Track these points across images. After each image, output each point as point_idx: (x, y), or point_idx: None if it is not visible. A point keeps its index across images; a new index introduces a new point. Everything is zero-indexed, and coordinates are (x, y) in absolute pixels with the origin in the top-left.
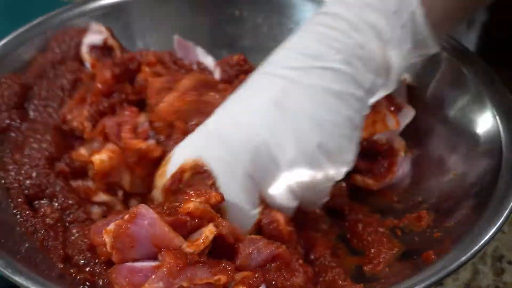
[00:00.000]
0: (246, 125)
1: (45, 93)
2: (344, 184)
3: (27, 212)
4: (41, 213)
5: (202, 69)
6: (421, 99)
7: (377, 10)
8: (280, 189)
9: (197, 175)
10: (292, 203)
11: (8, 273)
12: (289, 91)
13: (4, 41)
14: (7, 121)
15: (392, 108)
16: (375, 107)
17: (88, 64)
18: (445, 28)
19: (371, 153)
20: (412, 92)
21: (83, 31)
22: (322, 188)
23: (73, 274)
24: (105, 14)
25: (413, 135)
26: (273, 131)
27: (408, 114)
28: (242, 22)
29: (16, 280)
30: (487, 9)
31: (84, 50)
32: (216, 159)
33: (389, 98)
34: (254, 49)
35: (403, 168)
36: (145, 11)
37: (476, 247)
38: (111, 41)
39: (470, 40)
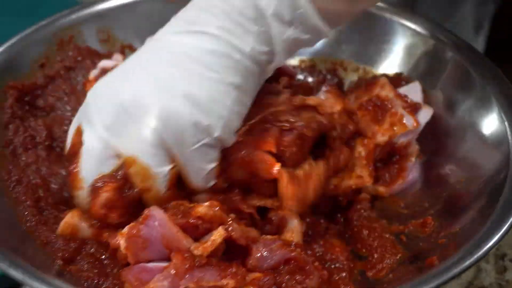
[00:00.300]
0: (115, 84)
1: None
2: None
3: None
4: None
5: None
6: (427, 101)
7: None
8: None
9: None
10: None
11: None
12: (162, 51)
13: (11, 41)
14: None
15: (409, 109)
16: (389, 109)
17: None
18: (331, 9)
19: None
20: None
21: (102, 56)
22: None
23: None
24: (112, 16)
25: (419, 140)
26: (135, 88)
27: (427, 113)
28: None
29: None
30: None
31: (94, 73)
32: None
33: (403, 99)
34: None
35: (413, 173)
36: (152, 13)
37: (480, 253)
38: None
39: (478, 44)
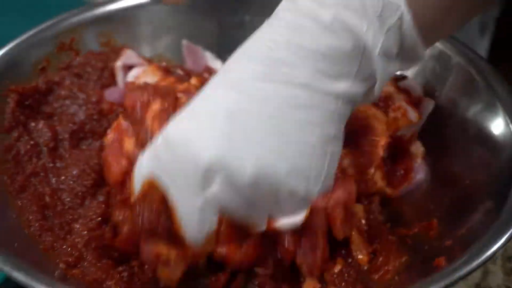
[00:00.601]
0: (195, 140)
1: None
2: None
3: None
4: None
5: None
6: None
7: (357, 12)
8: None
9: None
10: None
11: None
12: (245, 101)
13: (11, 44)
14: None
15: (411, 103)
16: (393, 103)
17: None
18: (436, 34)
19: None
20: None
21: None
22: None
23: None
24: (115, 19)
25: (425, 142)
26: (227, 147)
27: (428, 106)
28: (252, 28)
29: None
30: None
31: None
32: (170, 178)
33: (406, 93)
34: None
35: (419, 174)
36: (155, 16)
37: (488, 254)
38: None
39: (483, 46)
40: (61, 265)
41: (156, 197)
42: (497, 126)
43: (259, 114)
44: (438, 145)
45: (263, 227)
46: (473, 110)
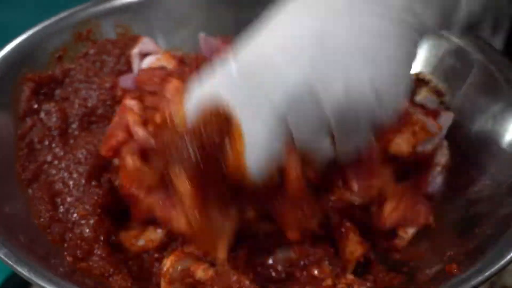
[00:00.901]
0: (281, 63)
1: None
2: None
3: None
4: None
5: None
6: (452, 106)
7: None
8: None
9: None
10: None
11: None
12: (333, 21)
13: (28, 33)
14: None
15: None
16: (410, 118)
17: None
18: None
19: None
20: (443, 98)
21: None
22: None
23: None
24: (132, 10)
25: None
26: (315, 68)
27: (448, 117)
28: None
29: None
30: None
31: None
32: (242, 103)
33: (422, 107)
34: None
35: (434, 184)
36: (171, 8)
37: (503, 262)
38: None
39: (496, 44)
40: (69, 258)
41: (216, 126)
42: None
43: (345, 38)
44: (455, 147)
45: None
46: (493, 110)
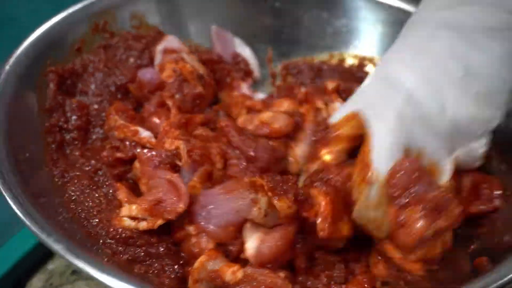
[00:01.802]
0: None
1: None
2: None
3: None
4: None
5: (238, 61)
6: None
7: None
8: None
9: None
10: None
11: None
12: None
13: (48, 24)
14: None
15: None
16: None
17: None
18: None
19: None
20: None
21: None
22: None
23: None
24: (146, 2)
25: None
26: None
27: None
28: (282, 15)
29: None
30: None
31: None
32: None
33: None
34: (293, 42)
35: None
36: (186, 1)
37: None
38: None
39: None
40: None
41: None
42: None
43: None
44: None
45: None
46: None
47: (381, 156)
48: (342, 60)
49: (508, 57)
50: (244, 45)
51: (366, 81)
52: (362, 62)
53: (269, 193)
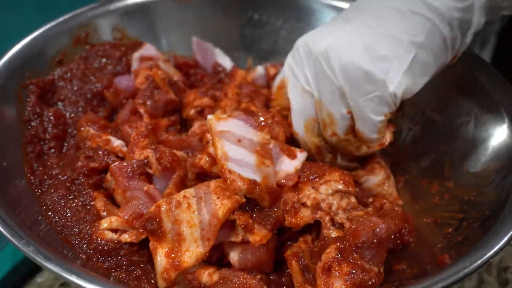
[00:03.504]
0: (315, 39)
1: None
2: None
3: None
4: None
5: (218, 71)
6: (436, 109)
7: None
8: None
9: None
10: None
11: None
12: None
13: (31, 37)
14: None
15: None
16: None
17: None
18: None
19: None
20: (428, 101)
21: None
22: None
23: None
24: (127, 15)
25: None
26: (329, 42)
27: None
28: (261, 25)
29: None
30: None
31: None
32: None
33: None
34: (272, 52)
35: None
36: (167, 12)
37: (482, 259)
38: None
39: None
40: (82, 256)
41: None
42: (500, 133)
43: (361, 16)
44: (439, 149)
45: (344, 122)
46: (476, 115)
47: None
48: None
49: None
50: (224, 55)
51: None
52: None
53: (244, 230)
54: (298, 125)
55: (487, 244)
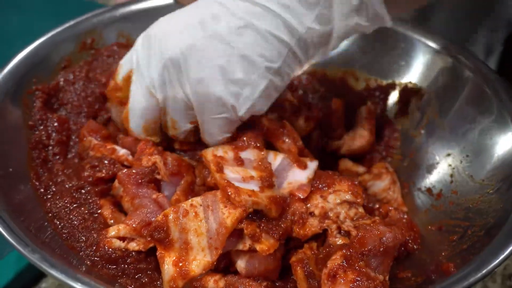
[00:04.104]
0: (166, 36)
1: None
2: None
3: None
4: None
5: None
6: (444, 116)
7: None
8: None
9: None
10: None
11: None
12: (219, 16)
13: (37, 42)
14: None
15: None
16: None
17: None
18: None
19: None
20: (432, 108)
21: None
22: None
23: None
24: (133, 21)
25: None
26: (183, 46)
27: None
28: None
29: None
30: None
31: None
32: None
33: None
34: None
35: None
36: None
37: (487, 268)
38: None
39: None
40: (88, 263)
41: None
42: (506, 142)
43: (221, 26)
44: (446, 159)
45: (188, 129)
46: (483, 124)
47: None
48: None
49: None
50: None
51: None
52: None
53: (251, 240)
54: (136, 124)
55: (493, 252)
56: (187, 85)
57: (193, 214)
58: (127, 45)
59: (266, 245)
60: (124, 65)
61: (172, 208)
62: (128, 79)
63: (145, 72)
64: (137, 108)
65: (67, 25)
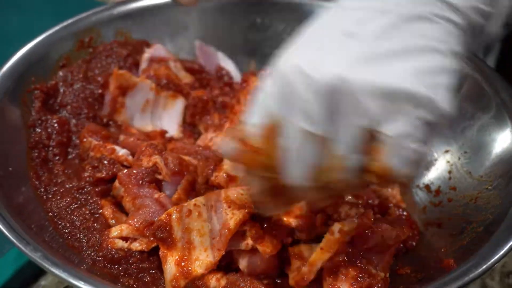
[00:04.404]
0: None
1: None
2: None
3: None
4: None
5: (221, 75)
6: None
7: None
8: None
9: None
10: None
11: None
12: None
13: (35, 41)
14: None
15: None
16: None
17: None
18: None
19: None
20: None
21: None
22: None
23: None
24: (131, 19)
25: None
26: (337, 71)
27: None
28: (263, 29)
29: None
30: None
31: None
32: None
33: None
34: (275, 55)
35: None
36: (170, 17)
37: (487, 264)
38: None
39: None
40: (89, 261)
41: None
42: (504, 139)
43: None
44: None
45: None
46: (481, 121)
47: None
48: None
49: None
50: (227, 58)
51: None
52: None
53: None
54: (298, 174)
55: (492, 248)
56: (369, 101)
57: (197, 214)
58: (125, 43)
59: (269, 247)
60: (251, 129)
61: (176, 208)
62: (271, 138)
63: (292, 110)
64: (295, 156)
65: (65, 23)
